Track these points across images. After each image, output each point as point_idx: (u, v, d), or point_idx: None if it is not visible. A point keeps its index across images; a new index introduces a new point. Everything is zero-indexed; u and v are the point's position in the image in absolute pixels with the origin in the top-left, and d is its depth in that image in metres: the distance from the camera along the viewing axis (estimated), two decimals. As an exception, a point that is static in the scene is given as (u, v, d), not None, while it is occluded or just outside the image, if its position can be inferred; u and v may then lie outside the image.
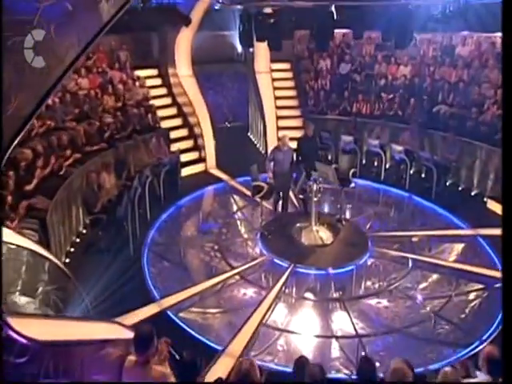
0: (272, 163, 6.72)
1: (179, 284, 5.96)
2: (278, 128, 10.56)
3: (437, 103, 9.87)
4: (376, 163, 9.86)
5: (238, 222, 8.00)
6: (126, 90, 9.47)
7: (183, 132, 10.37)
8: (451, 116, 9.58)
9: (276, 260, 6.29)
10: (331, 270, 6.10)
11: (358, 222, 7.66)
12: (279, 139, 6.97)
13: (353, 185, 7.77)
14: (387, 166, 9.65)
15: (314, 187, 6.52)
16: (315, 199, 6.63)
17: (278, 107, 10.83)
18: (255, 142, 11.48)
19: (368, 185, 9.04)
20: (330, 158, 9.80)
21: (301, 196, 7.31)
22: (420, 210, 8.26)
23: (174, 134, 9.95)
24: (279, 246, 6.48)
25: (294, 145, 7.29)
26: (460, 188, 9.05)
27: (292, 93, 11.61)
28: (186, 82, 10.39)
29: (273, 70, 11.28)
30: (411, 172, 9.16)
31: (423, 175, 9.28)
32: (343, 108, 10.84)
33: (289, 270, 6.16)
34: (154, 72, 10.88)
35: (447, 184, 8.99)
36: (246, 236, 7.53)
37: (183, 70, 10.44)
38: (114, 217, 6.56)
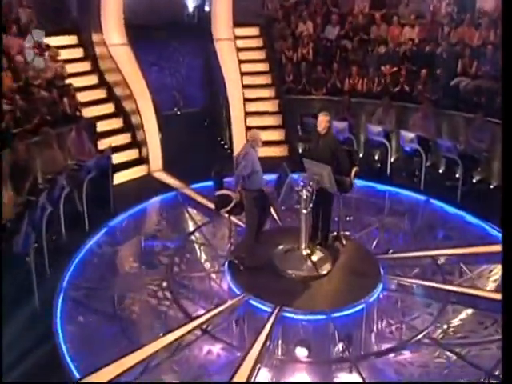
0: (244, 167, 6.06)
1: (111, 349, 5.20)
2: (247, 114, 10.38)
3: (455, 75, 9.82)
4: (378, 157, 9.67)
5: (197, 247, 7.43)
6: (30, 65, 8.86)
7: (116, 123, 10.01)
8: (476, 91, 9.32)
9: (253, 302, 5.74)
10: (331, 314, 5.56)
11: (362, 240, 7.27)
12: (248, 139, 6.39)
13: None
14: (393, 160, 9.55)
15: (304, 194, 5.91)
16: (305, 211, 5.97)
17: (245, 86, 10.56)
18: (216, 135, 11.33)
19: (370, 187, 8.67)
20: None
21: (283, 207, 7.08)
22: (442, 217, 7.98)
23: (102, 126, 9.51)
24: (256, 280, 6.00)
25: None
26: (492, 186, 8.89)
27: (263, 67, 11.43)
28: (118, 53, 10.02)
29: (237, 38, 11.01)
30: (427, 166, 9.01)
31: (442, 170, 9.22)
32: (332, 85, 10.78)
33: (272, 317, 5.53)
34: (72, 39, 10.45)
35: (476, 181, 8.88)
36: (208, 267, 6.99)
37: (114, 36, 10.09)
38: (9, 251, 5.72)
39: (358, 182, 7.88)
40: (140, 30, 10.40)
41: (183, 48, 12.21)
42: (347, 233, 7.17)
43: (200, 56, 11.85)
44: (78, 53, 10.38)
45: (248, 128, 9.69)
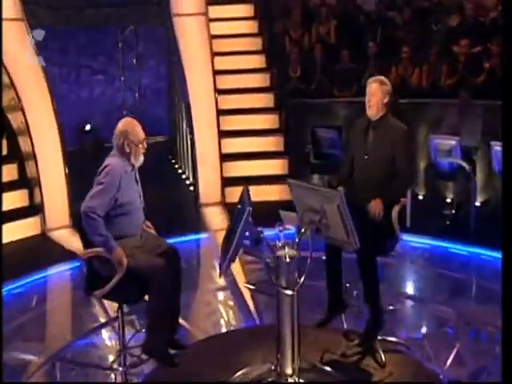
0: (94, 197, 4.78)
1: None
2: (223, 134, 9.79)
3: None
4: (453, 196, 8.90)
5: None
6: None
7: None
8: None
9: None
10: None
11: (421, 352, 5.59)
12: (118, 132, 5.03)
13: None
14: (481, 201, 8.81)
15: (286, 257, 4.53)
16: (289, 292, 4.56)
17: (223, 91, 10.20)
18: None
19: (437, 247, 7.96)
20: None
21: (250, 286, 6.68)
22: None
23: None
24: None
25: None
26: None
27: (257, 60, 11.07)
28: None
29: (216, 19, 10.90)
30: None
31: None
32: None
33: None
34: None
35: None
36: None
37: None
38: None
39: (414, 239, 7.74)
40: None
41: (142, 40, 12.59)
42: (392, 338, 5.57)
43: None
44: None
45: (225, 156, 9.46)
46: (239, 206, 4.65)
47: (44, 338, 6.50)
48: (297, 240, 4.55)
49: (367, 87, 5.24)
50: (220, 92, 10.01)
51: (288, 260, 4.39)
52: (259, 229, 4.66)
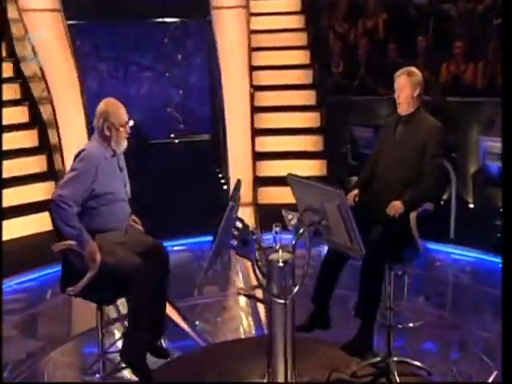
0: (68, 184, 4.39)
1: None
2: (257, 132, 9.45)
3: None
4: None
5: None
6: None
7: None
8: None
9: None
10: None
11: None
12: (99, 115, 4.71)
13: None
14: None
15: (280, 261, 4.16)
16: (281, 301, 4.19)
17: (259, 87, 9.87)
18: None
19: (483, 261, 7.36)
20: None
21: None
22: None
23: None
24: None
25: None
26: None
27: (302, 56, 10.65)
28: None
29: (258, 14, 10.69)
30: None
31: None
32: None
33: None
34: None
35: None
36: None
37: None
38: None
39: (458, 251, 7.41)
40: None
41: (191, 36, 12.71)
42: (411, 361, 4.97)
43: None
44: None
45: (260, 155, 9.15)
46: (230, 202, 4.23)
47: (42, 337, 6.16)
48: (293, 242, 4.05)
49: (395, 81, 4.82)
50: (260, 88, 9.78)
51: (281, 264, 3.95)
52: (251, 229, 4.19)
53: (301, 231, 4.01)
